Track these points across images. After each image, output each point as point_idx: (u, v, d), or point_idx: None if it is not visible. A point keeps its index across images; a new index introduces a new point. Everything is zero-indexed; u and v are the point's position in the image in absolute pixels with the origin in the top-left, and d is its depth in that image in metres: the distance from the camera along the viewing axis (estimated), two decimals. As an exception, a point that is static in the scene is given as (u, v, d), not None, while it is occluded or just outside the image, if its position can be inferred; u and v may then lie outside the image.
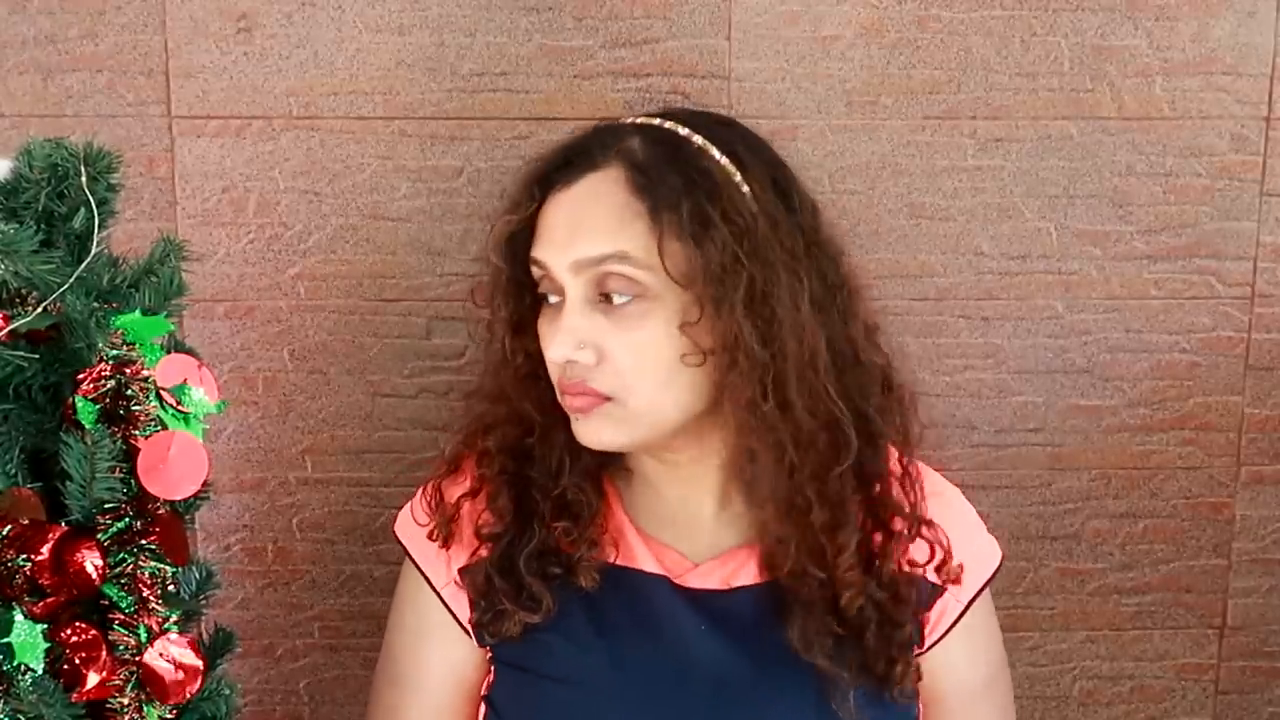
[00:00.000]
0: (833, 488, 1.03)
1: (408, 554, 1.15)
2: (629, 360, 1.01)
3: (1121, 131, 1.40)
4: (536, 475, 1.10)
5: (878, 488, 1.07)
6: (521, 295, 1.08)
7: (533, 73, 1.36)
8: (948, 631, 1.12)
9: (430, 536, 1.12)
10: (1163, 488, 1.48)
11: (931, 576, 1.09)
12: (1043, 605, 1.50)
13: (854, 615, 1.04)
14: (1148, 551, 1.50)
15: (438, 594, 1.12)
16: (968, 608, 1.12)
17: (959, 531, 1.11)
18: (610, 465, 1.13)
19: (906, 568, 1.07)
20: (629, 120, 1.08)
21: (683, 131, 1.04)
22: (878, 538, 1.07)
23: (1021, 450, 1.47)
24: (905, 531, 1.07)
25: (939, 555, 1.08)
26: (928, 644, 1.11)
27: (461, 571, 1.11)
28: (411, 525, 1.14)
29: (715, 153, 1.03)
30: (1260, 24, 1.39)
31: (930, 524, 1.08)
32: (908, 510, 1.07)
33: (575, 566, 1.08)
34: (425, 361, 1.41)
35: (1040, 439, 1.46)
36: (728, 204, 1.00)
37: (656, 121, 1.06)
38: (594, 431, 1.04)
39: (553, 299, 1.05)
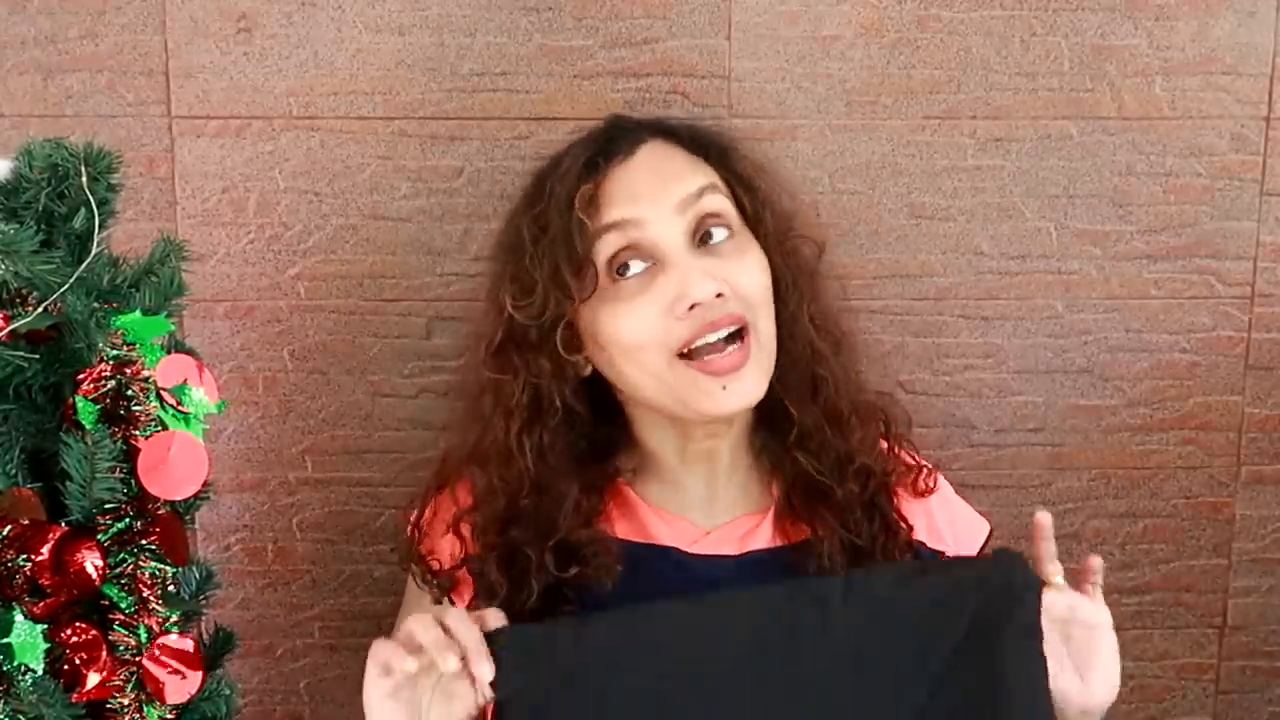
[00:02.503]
0: (862, 393, 1.16)
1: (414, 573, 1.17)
2: (751, 282, 1.07)
3: (1121, 131, 1.40)
4: (520, 534, 1.08)
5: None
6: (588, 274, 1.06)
7: (533, 73, 1.36)
8: None
9: (434, 600, 1.13)
10: (1163, 488, 1.48)
11: (907, 499, 1.16)
12: (1043, 605, 1.50)
13: (867, 528, 1.12)
14: (1148, 551, 1.50)
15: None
16: None
17: (949, 496, 1.21)
18: (619, 471, 1.15)
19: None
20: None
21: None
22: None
23: (1021, 450, 1.46)
24: (888, 447, 1.18)
25: (912, 469, 1.17)
26: None
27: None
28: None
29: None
30: (1260, 24, 1.39)
31: (906, 440, 1.18)
32: (883, 429, 1.18)
33: (587, 585, 1.07)
34: (425, 361, 1.41)
35: (1040, 439, 1.46)
36: (756, 163, 1.15)
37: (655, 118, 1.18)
38: (746, 388, 1.06)
39: (635, 267, 1.05)
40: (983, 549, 1.21)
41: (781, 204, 1.15)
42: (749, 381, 1.05)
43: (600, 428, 1.14)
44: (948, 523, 1.19)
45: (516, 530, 1.08)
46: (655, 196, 1.06)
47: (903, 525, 1.14)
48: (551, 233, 1.07)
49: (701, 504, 1.14)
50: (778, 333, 1.10)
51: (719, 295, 1.04)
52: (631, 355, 1.06)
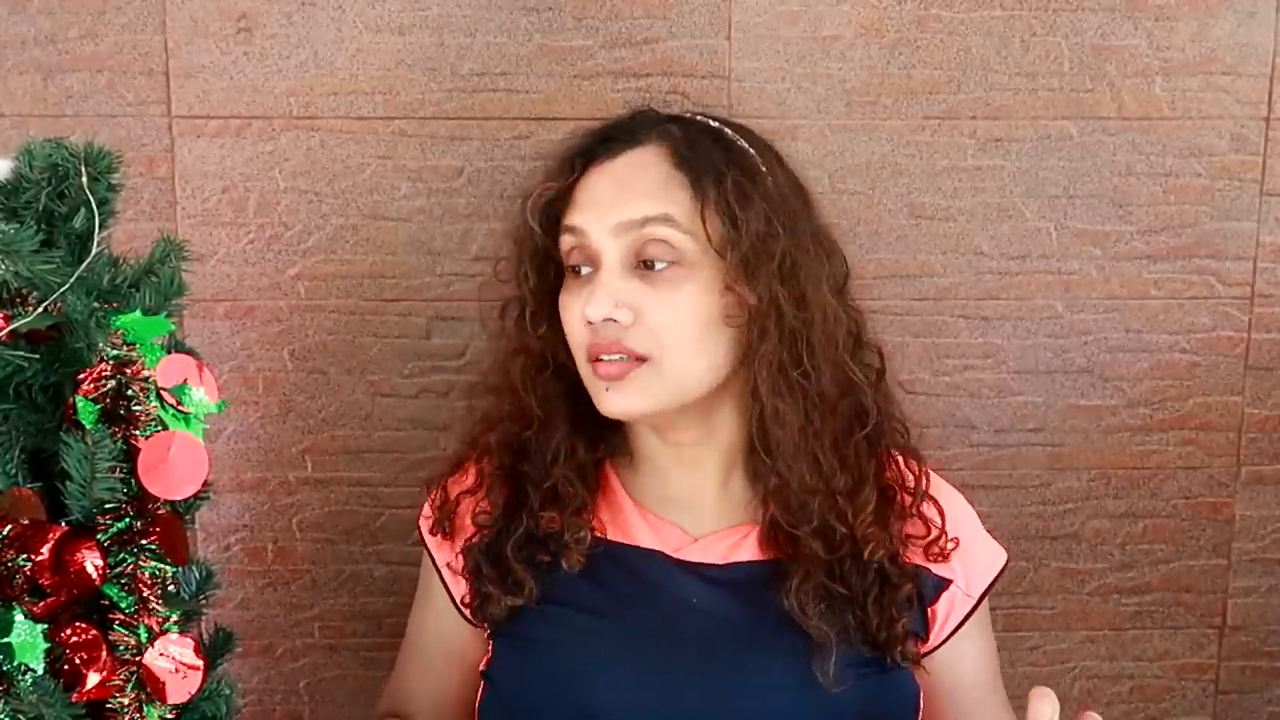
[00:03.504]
0: (852, 453, 1.10)
1: (421, 537, 1.21)
2: (665, 319, 1.05)
3: (1121, 131, 1.40)
4: (530, 469, 1.14)
5: (886, 461, 1.14)
6: (547, 269, 1.12)
7: (533, 73, 1.36)
8: (958, 628, 1.14)
9: (432, 530, 1.18)
10: (1163, 488, 1.48)
11: (919, 559, 1.12)
12: (1043, 605, 1.50)
13: (856, 581, 1.08)
14: (1148, 551, 1.50)
15: (439, 571, 1.18)
16: (978, 605, 1.15)
17: (967, 532, 1.15)
18: (615, 453, 1.17)
19: (905, 540, 1.12)
20: (663, 112, 1.16)
21: (714, 124, 1.13)
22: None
23: (1021, 450, 1.46)
24: (909, 504, 1.12)
25: (933, 532, 1.12)
26: (936, 641, 1.13)
27: (459, 554, 1.16)
28: (426, 510, 1.21)
29: (744, 143, 1.11)
30: (1260, 24, 1.39)
31: (933, 501, 1.13)
32: (911, 485, 1.12)
33: (563, 550, 1.11)
34: (425, 361, 1.41)
35: (1040, 439, 1.46)
36: (762, 182, 1.09)
37: (689, 114, 1.14)
38: (624, 400, 1.06)
39: (584, 270, 1.09)
40: (995, 580, 1.16)
41: (779, 244, 1.06)
42: (629, 395, 1.06)
43: None
44: (959, 555, 1.13)
45: (527, 464, 1.13)
46: (602, 213, 1.07)
47: (906, 583, 1.09)
48: (525, 220, 1.12)
49: (691, 510, 1.14)
50: (751, 379, 1.07)
51: (611, 320, 1.04)
52: (571, 346, 1.10)
